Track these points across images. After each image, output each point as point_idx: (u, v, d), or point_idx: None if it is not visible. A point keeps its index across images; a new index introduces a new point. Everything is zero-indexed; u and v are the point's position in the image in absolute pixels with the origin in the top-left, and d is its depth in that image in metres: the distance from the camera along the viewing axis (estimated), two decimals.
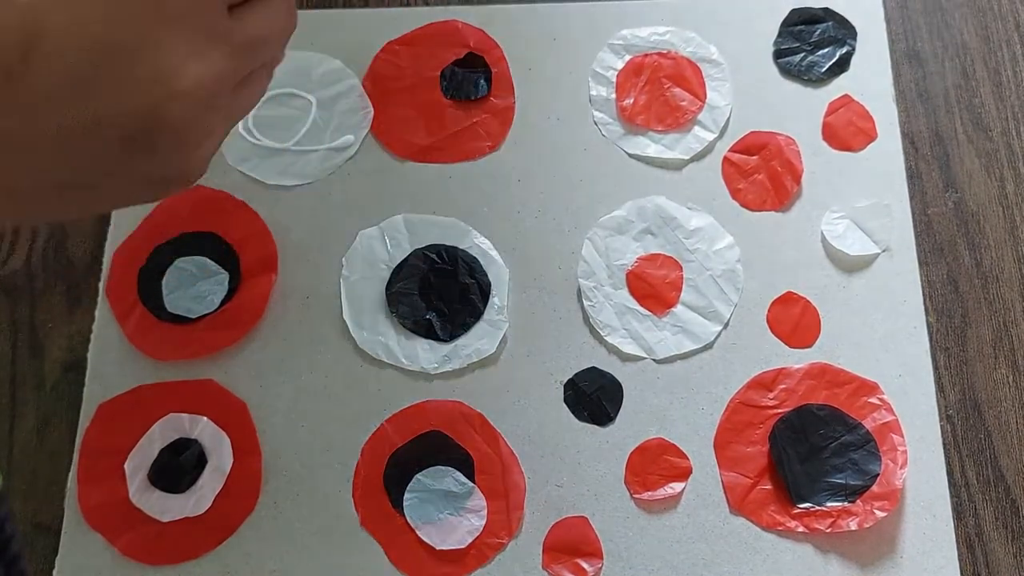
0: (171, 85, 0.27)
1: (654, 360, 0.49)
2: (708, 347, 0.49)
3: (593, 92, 0.54)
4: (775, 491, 0.46)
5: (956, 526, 0.46)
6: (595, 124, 0.54)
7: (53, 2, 0.25)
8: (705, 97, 0.54)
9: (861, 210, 0.51)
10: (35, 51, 0.25)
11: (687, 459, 0.47)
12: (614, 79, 0.55)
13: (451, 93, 0.54)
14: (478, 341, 0.49)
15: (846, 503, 0.45)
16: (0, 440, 0.48)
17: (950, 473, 0.47)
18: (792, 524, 0.45)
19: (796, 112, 0.54)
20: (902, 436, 0.47)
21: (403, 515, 0.46)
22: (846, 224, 0.51)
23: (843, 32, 0.55)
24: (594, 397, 0.48)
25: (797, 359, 0.49)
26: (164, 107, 0.27)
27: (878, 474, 0.46)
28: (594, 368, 0.49)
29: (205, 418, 0.48)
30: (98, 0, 0.26)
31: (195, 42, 0.28)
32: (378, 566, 0.46)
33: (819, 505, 0.45)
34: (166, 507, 0.46)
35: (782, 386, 0.48)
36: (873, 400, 0.48)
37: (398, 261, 0.51)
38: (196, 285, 0.50)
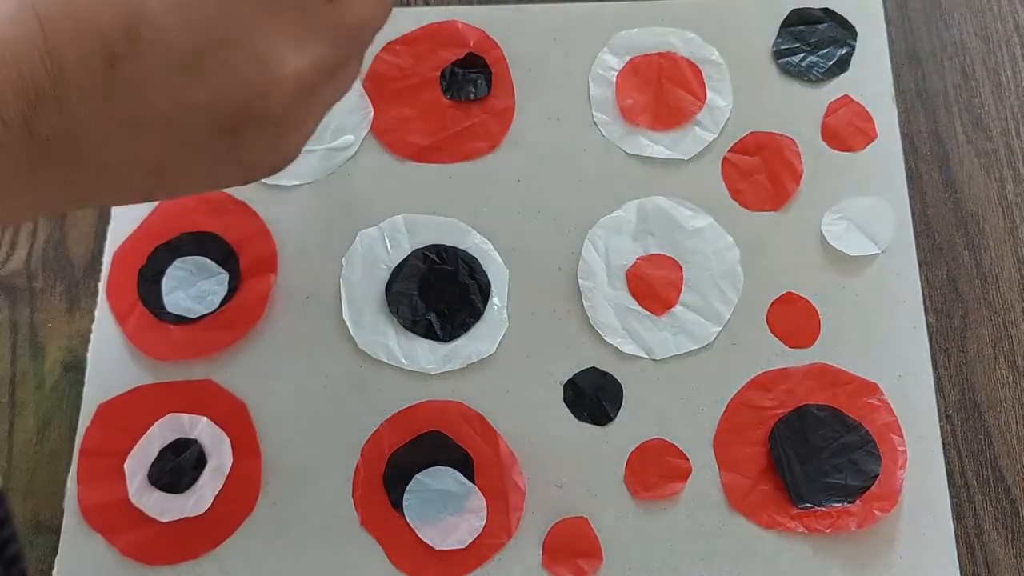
0: (273, 72, 0.27)
1: (654, 360, 0.49)
2: (708, 347, 0.49)
3: (593, 93, 0.54)
4: (775, 491, 0.46)
5: (956, 526, 0.46)
6: (595, 124, 0.54)
7: None
8: (705, 97, 0.54)
9: (861, 210, 0.51)
10: (140, 34, 0.25)
11: (687, 459, 0.47)
12: (614, 79, 0.55)
13: (451, 93, 0.54)
14: (478, 341, 0.49)
15: (846, 503, 0.45)
16: None
17: (950, 474, 0.47)
18: (792, 524, 0.45)
19: (796, 112, 0.54)
20: (902, 436, 0.47)
21: (403, 515, 0.46)
22: (846, 224, 0.51)
23: (843, 33, 0.55)
24: (594, 397, 0.48)
25: (797, 359, 0.49)
26: (265, 94, 0.28)
27: (878, 475, 0.46)
28: (594, 368, 0.49)
29: (205, 418, 0.48)
30: None
31: (297, 30, 0.28)
32: (378, 566, 0.46)
33: (819, 505, 0.46)
34: (166, 507, 0.46)
35: (782, 386, 0.48)
36: (873, 400, 0.48)
37: (398, 261, 0.51)
38: (196, 285, 0.50)
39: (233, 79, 0.27)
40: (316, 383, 0.49)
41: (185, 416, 0.48)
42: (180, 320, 0.50)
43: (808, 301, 0.50)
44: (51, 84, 0.25)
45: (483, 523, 0.46)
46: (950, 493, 0.46)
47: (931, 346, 0.49)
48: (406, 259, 0.51)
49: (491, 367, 0.49)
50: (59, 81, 0.25)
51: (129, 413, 0.48)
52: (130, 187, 0.29)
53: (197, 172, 0.29)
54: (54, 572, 0.46)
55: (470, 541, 0.46)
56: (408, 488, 0.47)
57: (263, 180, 0.52)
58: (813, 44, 0.55)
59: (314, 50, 0.29)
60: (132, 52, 0.25)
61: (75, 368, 0.50)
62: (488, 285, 0.50)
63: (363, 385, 0.49)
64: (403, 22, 0.56)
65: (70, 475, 0.47)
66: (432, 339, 0.49)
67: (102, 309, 0.51)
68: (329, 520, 0.47)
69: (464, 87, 0.54)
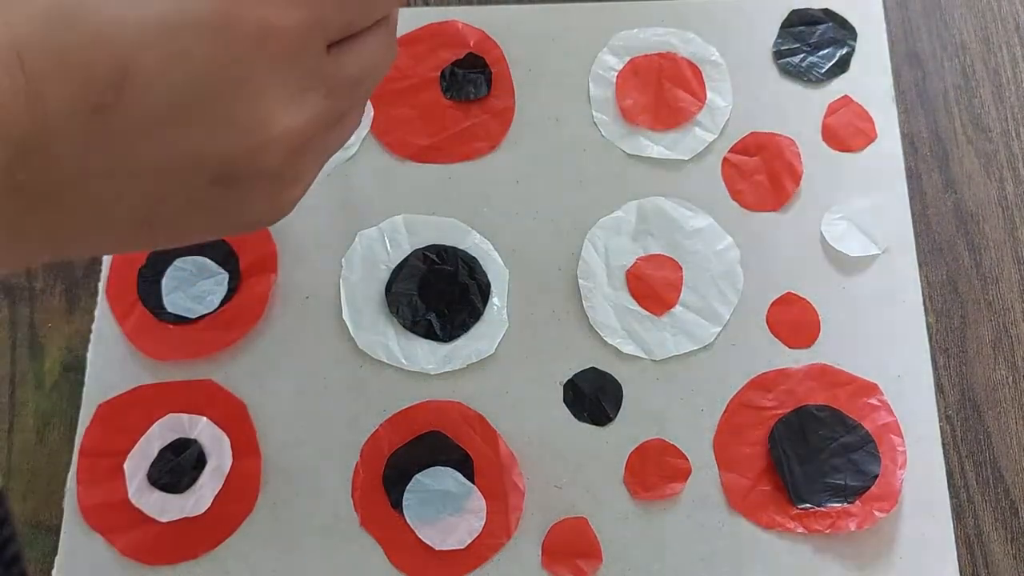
0: (266, 129, 0.27)
1: (653, 361, 0.49)
2: (708, 348, 0.49)
3: (593, 93, 0.54)
4: (774, 492, 0.46)
5: (955, 527, 0.46)
6: (595, 124, 0.54)
7: (148, 38, 0.25)
8: (705, 98, 0.54)
9: (861, 211, 0.51)
10: (128, 85, 0.24)
11: (686, 460, 0.47)
12: (614, 80, 0.55)
13: (451, 93, 0.54)
14: (478, 341, 0.49)
15: (845, 504, 0.45)
16: None
17: (949, 474, 0.47)
18: (791, 525, 0.45)
19: (796, 113, 0.54)
20: (901, 437, 0.47)
21: (403, 515, 0.46)
22: (846, 225, 0.51)
23: (843, 33, 0.55)
24: (594, 397, 0.48)
25: (796, 360, 0.49)
26: (258, 150, 0.27)
27: (877, 475, 0.46)
28: (594, 368, 0.49)
29: (205, 418, 0.48)
30: (195, 38, 0.25)
31: (293, 85, 0.27)
32: (378, 566, 0.46)
33: (818, 506, 0.46)
34: (165, 507, 0.46)
35: (781, 387, 0.48)
36: (872, 401, 0.48)
37: (398, 261, 0.51)
38: (196, 285, 0.50)
39: (225, 134, 0.26)
40: (316, 383, 0.49)
41: (185, 416, 0.48)
42: (180, 320, 0.50)
43: (808, 301, 0.50)
44: (35, 133, 0.24)
45: (483, 523, 0.46)
46: (950, 493, 0.46)
47: (931, 346, 0.49)
48: (406, 259, 0.51)
49: (491, 367, 0.49)
50: (43, 130, 0.24)
51: (129, 413, 0.48)
52: (118, 238, 0.28)
53: (187, 225, 0.29)
54: (54, 572, 0.46)
55: (470, 541, 0.46)
56: (408, 488, 0.47)
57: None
58: (813, 44, 0.55)
59: (311, 104, 0.28)
60: (119, 102, 0.24)
61: (75, 368, 0.50)
62: (488, 285, 0.50)
63: (363, 385, 0.49)
64: (403, 22, 0.56)
65: (70, 475, 0.47)
66: (432, 339, 0.49)
67: (102, 309, 0.51)
68: (329, 520, 0.47)
69: (464, 87, 0.54)
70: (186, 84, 0.25)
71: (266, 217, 0.30)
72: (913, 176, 0.53)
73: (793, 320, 0.49)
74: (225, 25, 0.25)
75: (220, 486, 0.47)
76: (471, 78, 0.55)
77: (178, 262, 0.51)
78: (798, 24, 0.56)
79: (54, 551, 0.46)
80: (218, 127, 0.26)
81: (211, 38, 0.25)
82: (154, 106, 0.25)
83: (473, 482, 0.47)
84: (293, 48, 0.27)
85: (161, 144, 0.26)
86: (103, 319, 0.50)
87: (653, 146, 0.53)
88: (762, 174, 0.52)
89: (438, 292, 0.50)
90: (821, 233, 0.51)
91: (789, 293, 0.50)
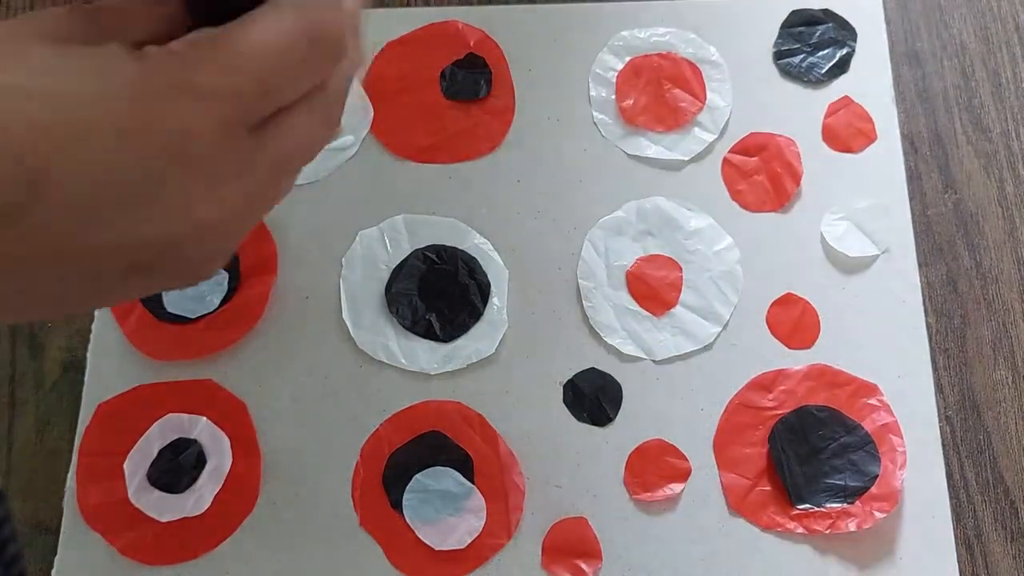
0: (183, 225, 0.27)
1: (653, 361, 0.49)
2: (707, 348, 0.49)
3: (593, 93, 0.54)
4: (774, 492, 0.46)
5: (955, 527, 0.46)
6: (595, 125, 0.54)
7: (62, 143, 0.25)
8: (705, 98, 0.54)
9: (861, 211, 0.51)
10: (40, 187, 0.24)
11: (686, 460, 0.47)
12: (614, 80, 0.55)
13: (451, 94, 0.54)
14: (478, 342, 0.49)
15: (845, 504, 0.45)
16: None
17: (949, 474, 0.47)
18: (791, 525, 0.45)
19: (796, 113, 0.54)
20: (901, 437, 0.47)
21: (402, 515, 0.46)
22: (846, 225, 0.51)
23: (843, 33, 0.55)
24: (593, 398, 0.48)
25: (796, 360, 0.49)
26: (173, 244, 0.27)
27: (877, 475, 0.46)
28: (594, 369, 0.49)
29: (204, 418, 0.48)
30: (109, 144, 0.25)
31: (212, 179, 0.27)
32: (377, 566, 0.46)
33: (818, 506, 0.45)
34: (165, 507, 0.46)
35: (781, 387, 0.48)
36: (872, 401, 0.48)
37: (398, 261, 0.51)
38: (196, 285, 0.50)
39: (140, 231, 0.26)
40: (316, 383, 0.49)
41: (185, 416, 0.48)
42: (180, 320, 0.50)
43: (808, 302, 0.50)
44: None
45: (482, 523, 0.46)
46: (950, 494, 0.46)
47: (931, 346, 0.49)
48: (406, 259, 0.51)
49: (491, 367, 0.49)
50: None
51: (129, 413, 0.48)
52: (25, 314, 0.29)
53: (99, 301, 0.29)
54: (54, 572, 0.46)
55: (470, 541, 0.46)
56: (408, 488, 0.47)
57: None
58: (813, 45, 0.55)
59: (231, 195, 0.27)
60: (33, 202, 0.24)
61: (75, 368, 0.50)
62: (488, 285, 0.50)
63: (363, 385, 0.49)
64: (403, 22, 0.56)
65: (70, 475, 0.47)
66: (432, 339, 0.49)
67: (102, 309, 0.50)
68: (329, 520, 0.47)
69: (464, 87, 0.54)
70: (100, 187, 0.25)
71: (188, 284, 0.30)
72: (913, 176, 0.53)
73: (793, 320, 0.49)
74: (141, 131, 0.25)
75: (220, 486, 0.47)
76: (471, 78, 0.55)
77: None
78: (798, 24, 0.56)
79: (54, 551, 0.46)
80: (133, 226, 0.26)
81: (126, 143, 0.25)
82: (67, 208, 0.25)
83: (473, 482, 0.47)
84: (212, 148, 0.26)
85: (74, 242, 0.26)
86: (103, 319, 0.50)
87: (653, 146, 0.53)
88: (762, 174, 0.52)
89: (438, 292, 0.50)
90: (821, 233, 0.51)
91: (789, 293, 0.50)
